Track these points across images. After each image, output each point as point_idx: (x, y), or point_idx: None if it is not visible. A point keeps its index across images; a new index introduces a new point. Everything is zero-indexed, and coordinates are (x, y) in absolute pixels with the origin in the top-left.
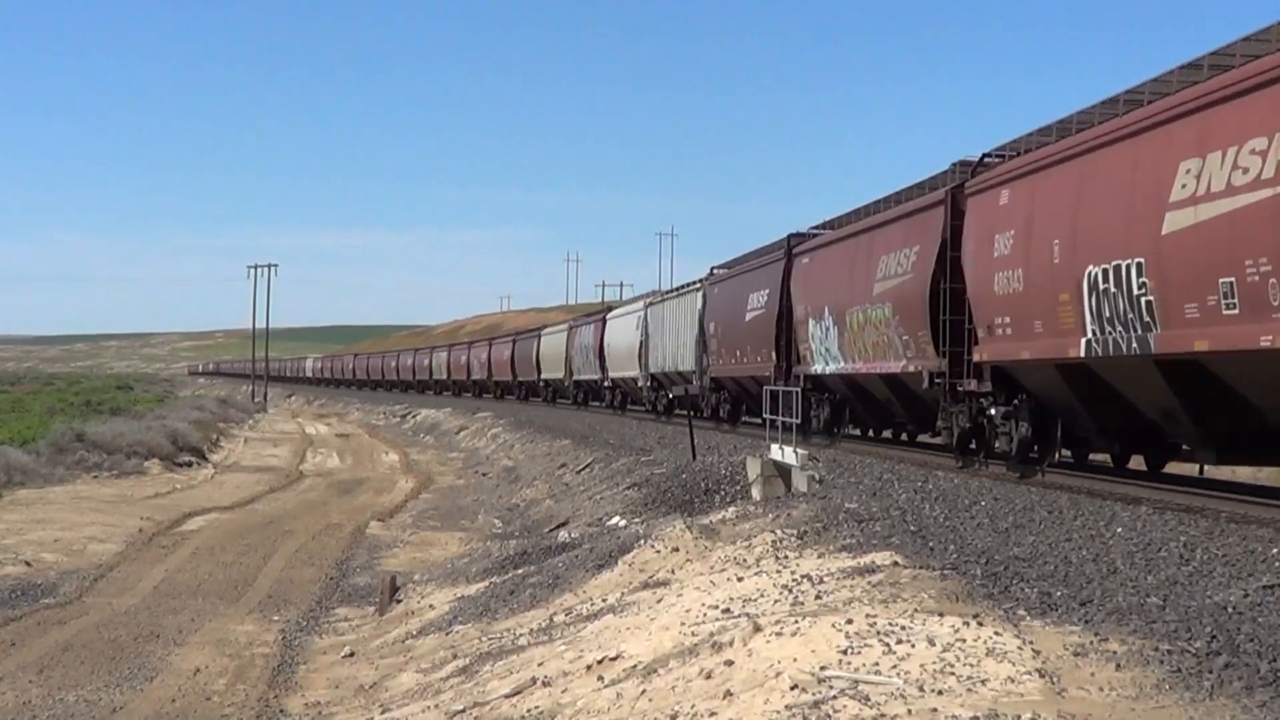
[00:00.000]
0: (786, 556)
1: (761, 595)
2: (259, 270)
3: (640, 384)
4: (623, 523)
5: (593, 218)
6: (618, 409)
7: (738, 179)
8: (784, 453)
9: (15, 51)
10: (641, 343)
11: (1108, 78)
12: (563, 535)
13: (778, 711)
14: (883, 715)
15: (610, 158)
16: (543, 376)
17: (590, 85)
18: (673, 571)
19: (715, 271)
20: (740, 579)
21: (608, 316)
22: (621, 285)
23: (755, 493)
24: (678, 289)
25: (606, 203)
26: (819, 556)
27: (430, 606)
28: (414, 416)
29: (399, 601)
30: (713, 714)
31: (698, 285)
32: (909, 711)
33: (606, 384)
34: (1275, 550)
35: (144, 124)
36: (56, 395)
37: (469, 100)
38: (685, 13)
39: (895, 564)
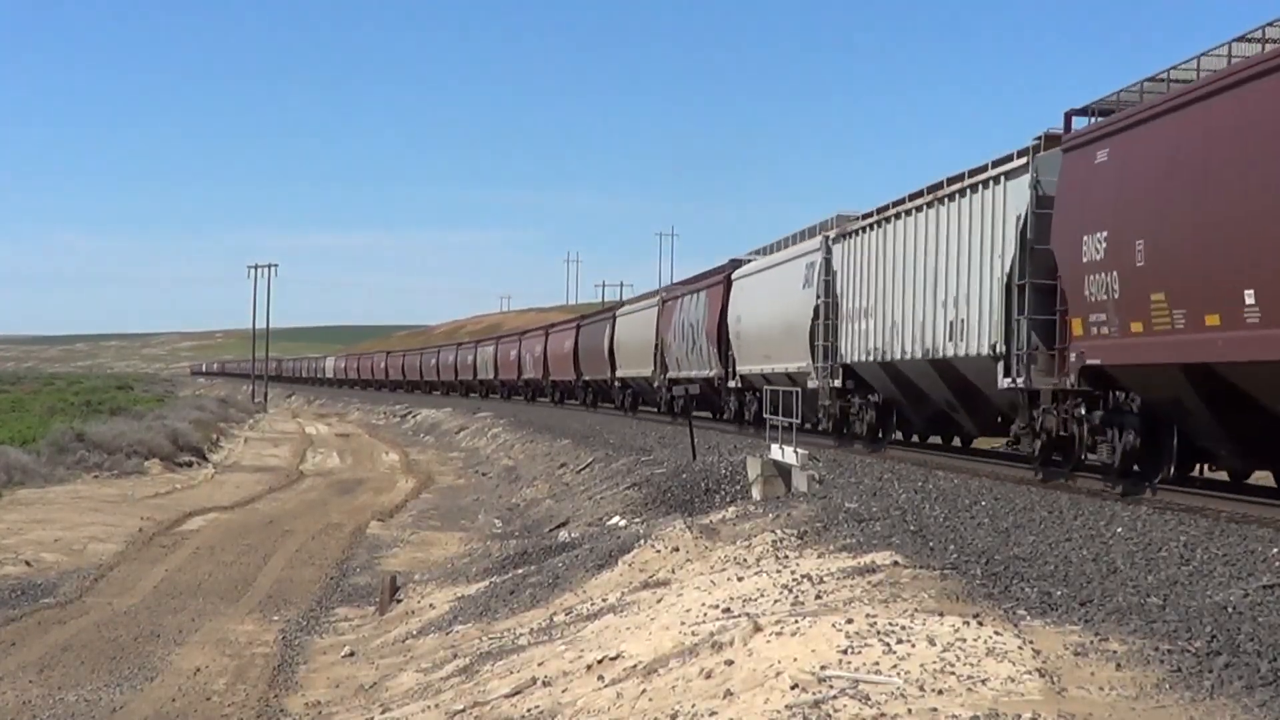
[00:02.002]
0: (787, 556)
1: (762, 595)
2: (259, 270)
3: (812, 384)
4: (623, 522)
5: (593, 218)
6: (748, 424)
7: (737, 179)
8: (784, 452)
9: (16, 52)
10: (820, 310)
11: (1110, 75)
12: (563, 535)
13: (778, 711)
14: (883, 715)
15: (610, 158)
16: (619, 374)
17: (590, 86)
18: (673, 571)
19: (1046, 139)
20: (740, 579)
21: (735, 275)
22: (621, 285)
23: (755, 493)
24: (929, 189)
25: (606, 203)
26: (819, 556)
27: (430, 606)
28: (414, 416)
29: (399, 601)
30: (713, 713)
31: (1003, 166)
32: (909, 711)
33: (731, 385)
34: (1275, 550)
35: (144, 124)
36: (56, 395)
37: (468, 101)
38: (684, 14)
39: (895, 564)
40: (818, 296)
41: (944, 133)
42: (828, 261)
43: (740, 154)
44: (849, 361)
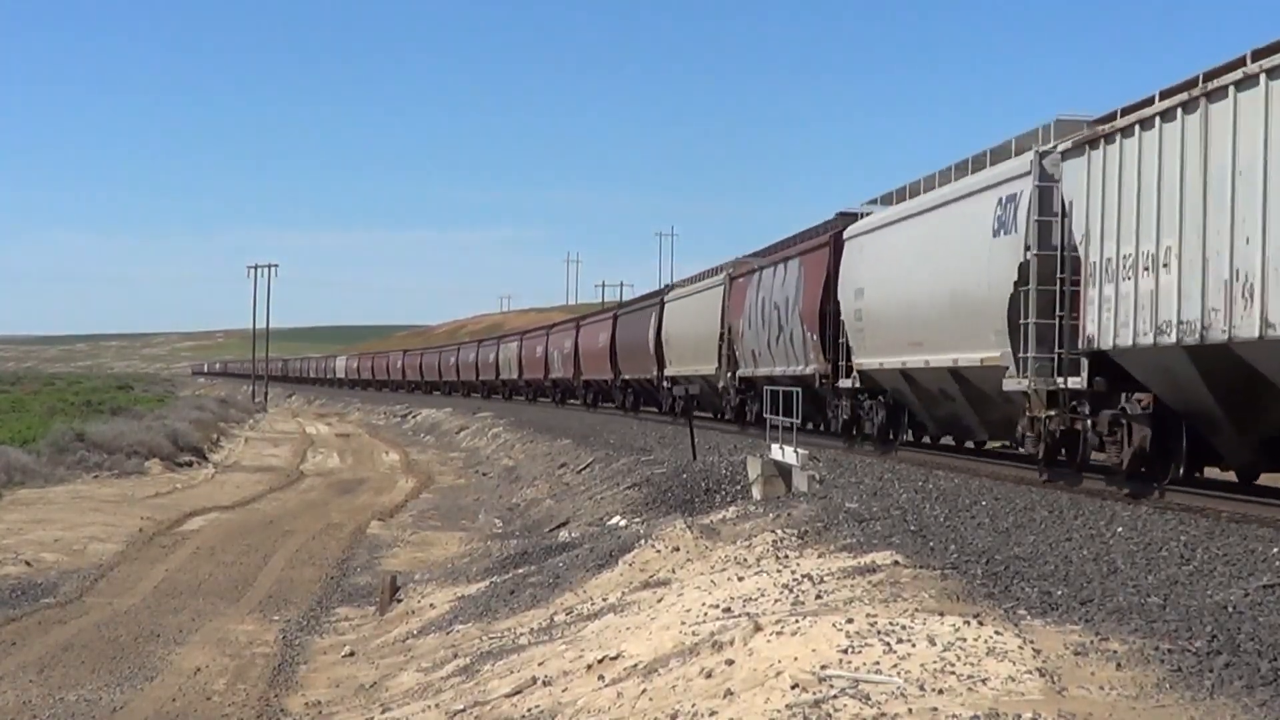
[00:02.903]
0: (787, 556)
1: (762, 595)
2: (259, 270)
3: (1009, 385)
4: (623, 522)
5: (593, 218)
6: (865, 439)
7: (737, 179)
8: (784, 452)
9: (15, 51)
10: (1030, 270)
11: (1109, 73)
12: (563, 535)
13: (778, 711)
14: (883, 714)
15: (610, 158)
16: (667, 372)
17: (589, 85)
18: (673, 571)
19: None
20: (741, 578)
21: (848, 233)
22: (621, 285)
23: (756, 492)
24: None
25: (606, 203)
26: (819, 556)
27: (431, 606)
28: (414, 416)
29: (399, 601)
30: (713, 713)
31: None
32: (909, 711)
33: (844, 385)
34: (1275, 550)
35: (144, 123)
36: (57, 395)
37: (469, 100)
38: (684, 14)
39: (896, 563)
40: (1026, 248)
41: (944, 129)
42: (1045, 192)
43: (740, 153)
44: (1107, 346)
